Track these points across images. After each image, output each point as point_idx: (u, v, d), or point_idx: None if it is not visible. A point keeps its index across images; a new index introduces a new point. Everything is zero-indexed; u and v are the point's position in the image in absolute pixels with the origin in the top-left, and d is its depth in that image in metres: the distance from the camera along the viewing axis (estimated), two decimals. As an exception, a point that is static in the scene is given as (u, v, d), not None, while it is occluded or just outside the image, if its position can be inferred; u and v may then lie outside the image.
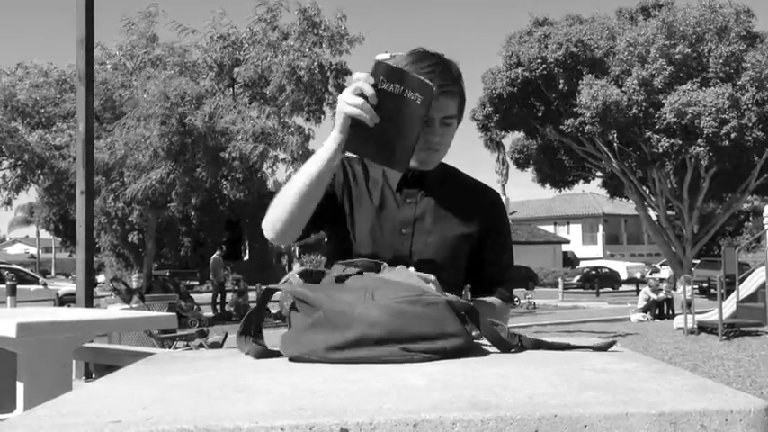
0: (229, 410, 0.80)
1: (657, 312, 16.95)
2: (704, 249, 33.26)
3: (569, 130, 23.15)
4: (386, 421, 0.76)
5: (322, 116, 18.90)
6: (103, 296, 13.64)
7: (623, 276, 36.56)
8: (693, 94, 21.38)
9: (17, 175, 18.29)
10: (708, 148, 21.33)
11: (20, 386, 2.73)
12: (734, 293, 13.67)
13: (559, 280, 29.06)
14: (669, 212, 26.89)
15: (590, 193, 51.21)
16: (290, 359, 1.15)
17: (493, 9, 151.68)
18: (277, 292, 1.32)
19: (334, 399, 0.85)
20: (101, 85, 16.83)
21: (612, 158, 24.81)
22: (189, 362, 1.19)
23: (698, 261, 28.72)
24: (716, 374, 8.58)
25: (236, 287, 17.98)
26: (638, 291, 22.66)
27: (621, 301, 24.19)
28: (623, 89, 22.13)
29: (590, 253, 49.81)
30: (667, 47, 22.05)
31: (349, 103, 1.32)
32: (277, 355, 1.20)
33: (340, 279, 1.27)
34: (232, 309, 17.48)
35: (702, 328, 12.65)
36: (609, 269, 37.21)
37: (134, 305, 10.57)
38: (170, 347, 8.01)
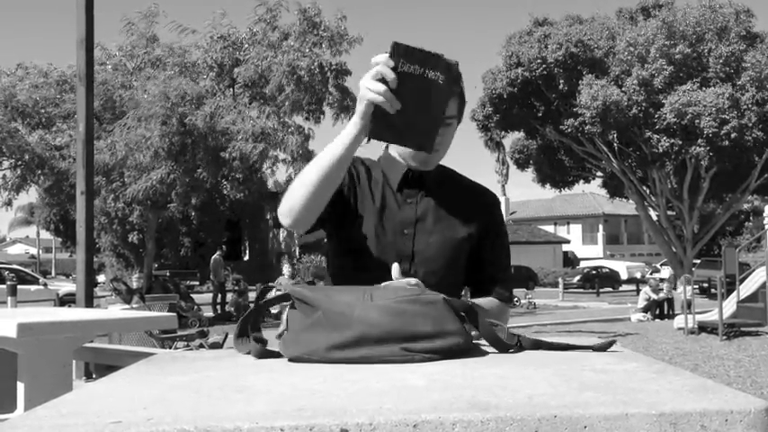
0: (230, 411, 0.80)
1: (658, 312, 16.94)
2: (704, 249, 33.27)
3: (569, 130, 23.16)
4: (386, 422, 0.76)
5: (322, 116, 18.92)
6: (104, 296, 13.64)
7: (623, 276, 36.54)
8: (693, 94, 21.39)
9: (17, 176, 18.29)
10: (708, 148, 21.34)
11: (20, 386, 2.73)
12: (734, 293, 13.67)
13: (560, 280, 29.06)
14: (669, 212, 26.90)
15: (590, 193, 51.22)
16: (290, 359, 1.15)
17: (493, 9, 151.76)
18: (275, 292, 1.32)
19: (334, 399, 0.85)
20: (101, 85, 16.83)
21: (612, 158, 24.82)
22: (189, 362, 1.19)
23: (698, 261, 28.71)
24: (716, 374, 8.58)
25: (236, 287, 17.98)
26: (638, 291, 22.65)
27: (622, 301, 24.18)
28: (623, 89, 22.14)
29: (590, 253, 49.80)
30: (667, 47, 22.06)
31: (371, 89, 1.30)
32: (278, 355, 1.20)
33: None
34: (232, 309, 17.48)
35: (703, 328, 12.65)
36: (609, 269, 37.20)
37: (134, 305, 10.57)
38: (170, 348, 8.01)
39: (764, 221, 15.30)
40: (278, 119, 17.33)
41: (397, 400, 0.83)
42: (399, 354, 1.10)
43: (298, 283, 14.86)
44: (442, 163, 1.69)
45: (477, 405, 0.81)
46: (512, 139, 28.45)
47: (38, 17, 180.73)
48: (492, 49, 52.01)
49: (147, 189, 16.48)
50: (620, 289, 34.24)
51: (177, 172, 16.78)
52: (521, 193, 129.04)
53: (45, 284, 20.79)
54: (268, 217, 38.89)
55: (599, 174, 27.94)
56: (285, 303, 1.25)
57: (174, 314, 3.75)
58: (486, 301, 1.64)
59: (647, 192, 26.46)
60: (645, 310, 16.97)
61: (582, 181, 28.54)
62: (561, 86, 22.99)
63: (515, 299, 21.26)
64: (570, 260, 46.24)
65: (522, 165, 27.97)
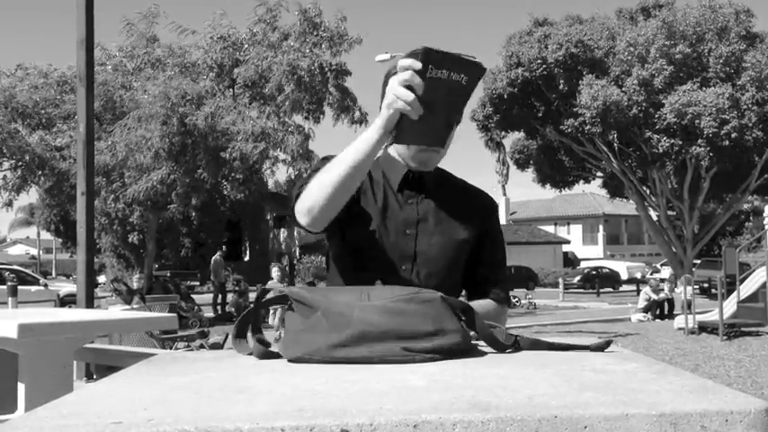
0: (230, 411, 0.80)
1: (658, 312, 16.95)
2: (705, 249, 33.27)
3: (569, 130, 23.15)
4: (386, 422, 0.76)
5: (322, 116, 18.93)
6: (104, 297, 13.63)
7: (624, 276, 36.56)
8: (693, 94, 21.38)
9: (18, 176, 18.28)
10: (708, 148, 21.33)
11: (21, 387, 2.73)
12: (734, 293, 13.67)
13: (560, 280, 29.06)
14: (670, 212, 26.89)
15: (590, 194, 51.22)
16: (290, 360, 1.15)
17: (493, 9, 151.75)
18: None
19: (335, 400, 0.85)
20: (101, 85, 16.83)
21: (613, 159, 24.81)
22: (190, 363, 1.20)
23: (698, 261, 28.73)
24: (717, 375, 8.58)
25: (236, 288, 17.98)
26: (638, 291, 22.65)
27: (622, 302, 24.19)
28: (623, 89, 22.13)
29: (590, 253, 49.81)
30: (667, 47, 22.06)
31: (399, 97, 1.29)
32: (279, 356, 1.20)
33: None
34: (233, 309, 17.48)
35: (703, 328, 12.65)
36: (609, 269, 37.22)
37: (135, 306, 10.56)
38: (171, 348, 8.01)
39: (765, 221, 15.30)
40: (278, 119, 17.33)
41: (397, 401, 0.83)
42: (400, 354, 1.10)
43: (286, 287, 14.95)
44: (444, 161, 1.70)
45: (477, 405, 0.81)
46: (512, 139, 28.46)
47: (38, 17, 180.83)
48: (492, 50, 52.03)
49: (148, 190, 16.48)
50: (621, 289, 34.26)
51: (177, 172, 16.79)
52: (521, 193, 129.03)
53: (45, 285, 20.80)
54: (268, 217, 38.89)
55: (599, 174, 27.93)
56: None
57: (175, 315, 3.75)
58: (483, 303, 1.65)
59: (648, 192, 26.45)
60: (645, 310, 16.97)
61: (582, 181, 28.53)
62: (561, 87, 22.98)
63: (515, 299, 21.27)
64: (570, 260, 46.25)
65: (522, 165, 27.96)
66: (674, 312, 16.54)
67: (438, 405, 0.81)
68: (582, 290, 33.19)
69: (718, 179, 24.21)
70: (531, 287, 30.63)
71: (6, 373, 3.02)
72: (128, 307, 10.38)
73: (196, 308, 14.79)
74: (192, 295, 18.80)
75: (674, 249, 26.43)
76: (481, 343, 1.27)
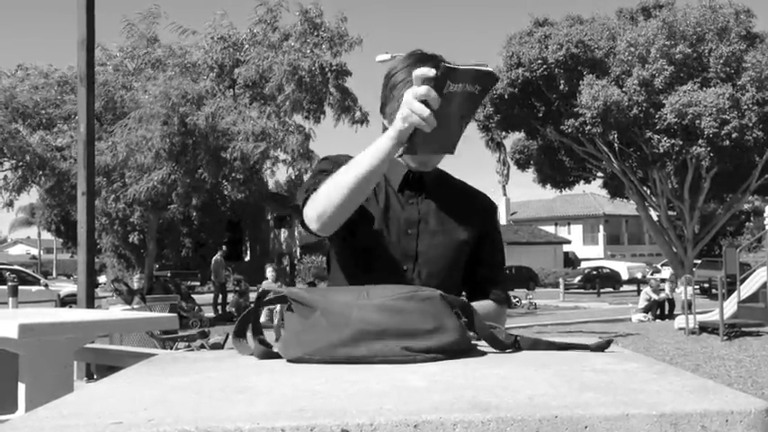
0: (231, 412, 0.80)
1: (658, 313, 16.95)
2: (705, 250, 33.26)
3: (570, 130, 23.15)
4: (386, 422, 0.76)
5: (322, 116, 18.94)
6: (105, 297, 13.65)
7: (624, 277, 36.58)
8: (694, 94, 21.38)
9: (18, 177, 18.29)
10: (708, 148, 21.33)
11: (21, 387, 2.73)
12: (735, 294, 13.68)
13: (560, 280, 29.07)
14: (670, 213, 26.88)
15: (591, 194, 51.21)
16: (290, 361, 1.15)
17: (493, 9, 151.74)
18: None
19: (335, 400, 0.85)
20: (102, 86, 16.84)
21: (613, 159, 24.81)
22: (190, 363, 1.20)
23: (699, 261, 28.73)
24: (717, 375, 8.58)
25: (237, 288, 17.99)
26: (639, 291, 22.65)
27: (622, 302, 24.19)
28: (624, 89, 22.13)
29: (591, 253, 49.81)
30: (668, 47, 22.05)
31: (415, 111, 1.28)
32: (280, 356, 1.20)
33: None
34: (233, 309, 17.49)
35: (704, 328, 12.65)
36: (610, 269, 37.22)
37: (135, 306, 10.57)
38: (171, 348, 8.01)
39: (765, 222, 15.30)
40: (278, 119, 17.34)
41: (397, 401, 0.83)
42: (401, 353, 1.10)
43: (281, 287, 14.99)
44: (445, 162, 1.70)
45: (477, 405, 0.81)
46: (512, 139, 28.45)
47: (38, 17, 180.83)
48: (492, 50, 51.99)
49: (149, 190, 16.49)
50: (621, 289, 34.27)
51: (178, 173, 16.80)
52: (521, 193, 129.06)
53: (46, 285, 20.81)
54: (269, 217, 38.90)
55: (600, 174, 27.92)
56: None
57: (175, 315, 3.75)
58: (484, 304, 1.65)
59: (648, 192, 26.45)
60: (646, 310, 16.97)
61: (582, 181, 28.52)
62: (562, 87, 22.97)
63: (516, 299, 21.28)
64: (571, 260, 46.27)
65: (522, 165, 27.96)
66: (675, 312, 16.54)
67: (438, 405, 0.81)
68: (582, 290, 33.20)
69: (719, 179, 24.21)
70: (532, 287, 30.64)
71: (7, 374, 3.02)
72: (128, 307, 10.38)
73: (197, 308, 14.80)
74: (192, 295, 18.81)
75: (674, 249, 26.42)
76: (481, 343, 1.27)
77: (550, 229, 51.03)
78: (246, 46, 18.42)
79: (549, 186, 28.07)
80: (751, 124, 21.38)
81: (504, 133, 27.33)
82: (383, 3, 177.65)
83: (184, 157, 16.76)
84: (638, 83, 21.94)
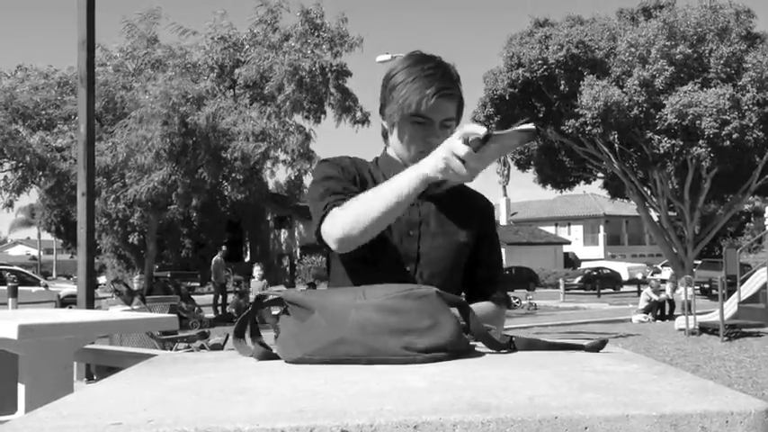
0: (230, 412, 0.80)
1: (659, 313, 16.95)
2: (705, 250, 33.26)
3: (570, 130, 23.15)
4: (386, 423, 0.76)
5: (323, 115, 18.95)
6: (105, 298, 13.65)
7: (624, 277, 36.57)
8: (694, 94, 21.38)
9: (18, 177, 18.31)
10: (709, 148, 21.33)
11: (21, 388, 2.73)
12: (735, 294, 13.67)
13: (560, 281, 29.07)
14: (670, 213, 26.88)
15: (591, 194, 51.21)
16: (290, 362, 1.15)
17: (493, 10, 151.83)
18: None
19: (335, 401, 0.85)
20: (102, 86, 16.86)
21: (613, 159, 24.80)
22: (190, 364, 1.20)
23: (699, 262, 28.73)
24: (717, 375, 8.58)
25: (237, 288, 17.99)
26: (639, 292, 22.65)
27: (623, 302, 24.19)
28: (624, 90, 22.13)
29: (591, 254, 49.80)
30: (668, 47, 22.05)
31: (453, 168, 1.29)
32: (279, 357, 1.20)
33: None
34: (233, 310, 17.49)
35: (704, 329, 12.65)
36: (610, 270, 37.21)
37: (135, 307, 10.57)
38: (171, 349, 8.01)
39: (765, 222, 15.29)
40: (278, 119, 17.35)
41: (397, 402, 0.83)
42: (401, 352, 1.10)
43: (266, 286, 15.06)
44: None
45: (477, 406, 0.81)
46: (512, 140, 28.41)
47: (38, 18, 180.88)
48: (493, 50, 52.08)
49: (149, 190, 16.50)
50: (621, 290, 34.27)
51: (178, 173, 16.80)
52: (522, 194, 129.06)
53: (46, 286, 20.82)
54: (269, 218, 38.92)
55: (600, 174, 27.92)
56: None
57: (175, 315, 3.74)
58: (483, 305, 1.65)
59: (648, 192, 26.44)
60: (646, 311, 16.97)
61: (583, 182, 28.52)
62: (562, 87, 22.97)
63: (516, 300, 21.28)
64: (571, 261, 46.26)
65: (522, 166, 27.95)
66: (675, 313, 16.54)
67: (438, 406, 0.81)
68: (583, 290, 33.20)
69: (719, 180, 24.20)
70: (532, 288, 30.65)
71: (6, 374, 3.02)
72: (128, 308, 10.38)
73: (196, 309, 14.79)
74: (192, 296, 18.81)
75: (674, 250, 26.42)
76: (479, 344, 1.27)
77: (551, 229, 51.03)
78: (247, 46, 18.44)
79: (549, 187, 28.07)
80: (751, 125, 21.37)
81: (504, 134, 27.29)
82: (383, 3, 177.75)
83: (185, 157, 16.78)
84: (639, 83, 21.94)
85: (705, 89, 21.66)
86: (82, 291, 4.68)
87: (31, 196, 31.84)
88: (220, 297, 18.99)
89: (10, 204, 18.82)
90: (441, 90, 1.56)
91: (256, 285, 15.42)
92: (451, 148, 1.29)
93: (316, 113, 18.71)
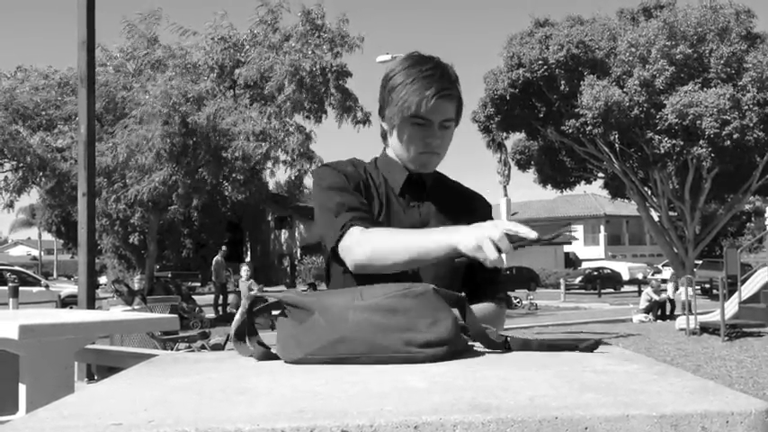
0: (231, 413, 0.80)
1: (659, 313, 16.94)
2: (706, 250, 33.23)
3: (571, 130, 23.13)
4: (386, 423, 0.76)
5: (324, 115, 18.94)
6: (105, 298, 13.65)
7: (625, 277, 36.55)
8: (695, 94, 21.36)
9: (19, 178, 18.32)
10: (709, 148, 21.31)
11: (22, 388, 2.73)
12: (736, 294, 13.67)
13: (561, 281, 29.05)
14: (671, 213, 26.86)
15: (591, 194, 51.16)
16: (290, 362, 1.15)
17: (494, 10, 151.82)
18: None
19: (335, 401, 0.85)
20: (102, 86, 16.86)
21: (614, 159, 24.78)
22: (191, 364, 1.20)
23: (700, 262, 28.71)
24: (718, 375, 8.57)
25: (237, 289, 17.98)
26: (639, 292, 22.64)
27: (623, 302, 24.19)
28: (625, 90, 22.11)
29: (592, 254, 49.76)
30: (668, 47, 22.04)
31: (487, 253, 1.30)
32: (279, 357, 1.20)
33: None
34: (234, 310, 17.49)
35: (704, 329, 12.64)
36: (611, 270, 37.19)
37: (136, 307, 10.57)
38: (172, 349, 8.02)
39: (766, 222, 15.27)
40: (279, 119, 17.36)
41: (397, 402, 0.83)
42: (403, 349, 1.10)
43: (252, 286, 15.10)
44: (444, 162, 1.70)
45: (478, 407, 0.81)
46: (513, 140, 28.42)
47: (38, 18, 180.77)
48: (493, 50, 52.08)
49: (150, 191, 16.50)
50: (622, 290, 34.26)
51: (179, 173, 16.80)
52: (522, 194, 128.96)
53: (47, 286, 20.81)
54: (269, 218, 38.92)
55: (600, 175, 27.90)
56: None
57: (176, 315, 3.75)
58: (482, 306, 1.65)
59: (649, 192, 26.43)
60: (646, 310, 16.97)
61: (583, 182, 28.49)
62: (562, 87, 22.96)
63: (517, 300, 21.28)
64: (572, 261, 46.22)
65: (523, 166, 27.94)
66: (676, 313, 16.54)
67: (438, 406, 0.81)
68: (583, 290, 33.19)
69: (720, 180, 24.18)
70: (533, 288, 30.66)
71: (7, 375, 3.02)
72: (129, 308, 10.38)
73: (197, 309, 14.79)
74: (193, 296, 18.81)
75: (675, 250, 26.40)
76: (478, 344, 1.27)
77: (551, 229, 50.94)
78: (247, 47, 18.44)
79: (549, 187, 28.05)
80: (752, 125, 21.36)
81: (504, 134, 27.28)
82: (383, 3, 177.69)
83: (185, 157, 16.78)
84: (639, 83, 21.93)
85: (705, 89, 21.64)
86: (83, 291, 4.68)
87: (32, 197, 31.82)
88: (221, 297, 18.99)
89: (10, 205, 18.83)
90: (440, 91, 1.56)
91: (244, 285, 15.49)
92: (492, 236, 1.30)
93: (316, 113, 18.71)
